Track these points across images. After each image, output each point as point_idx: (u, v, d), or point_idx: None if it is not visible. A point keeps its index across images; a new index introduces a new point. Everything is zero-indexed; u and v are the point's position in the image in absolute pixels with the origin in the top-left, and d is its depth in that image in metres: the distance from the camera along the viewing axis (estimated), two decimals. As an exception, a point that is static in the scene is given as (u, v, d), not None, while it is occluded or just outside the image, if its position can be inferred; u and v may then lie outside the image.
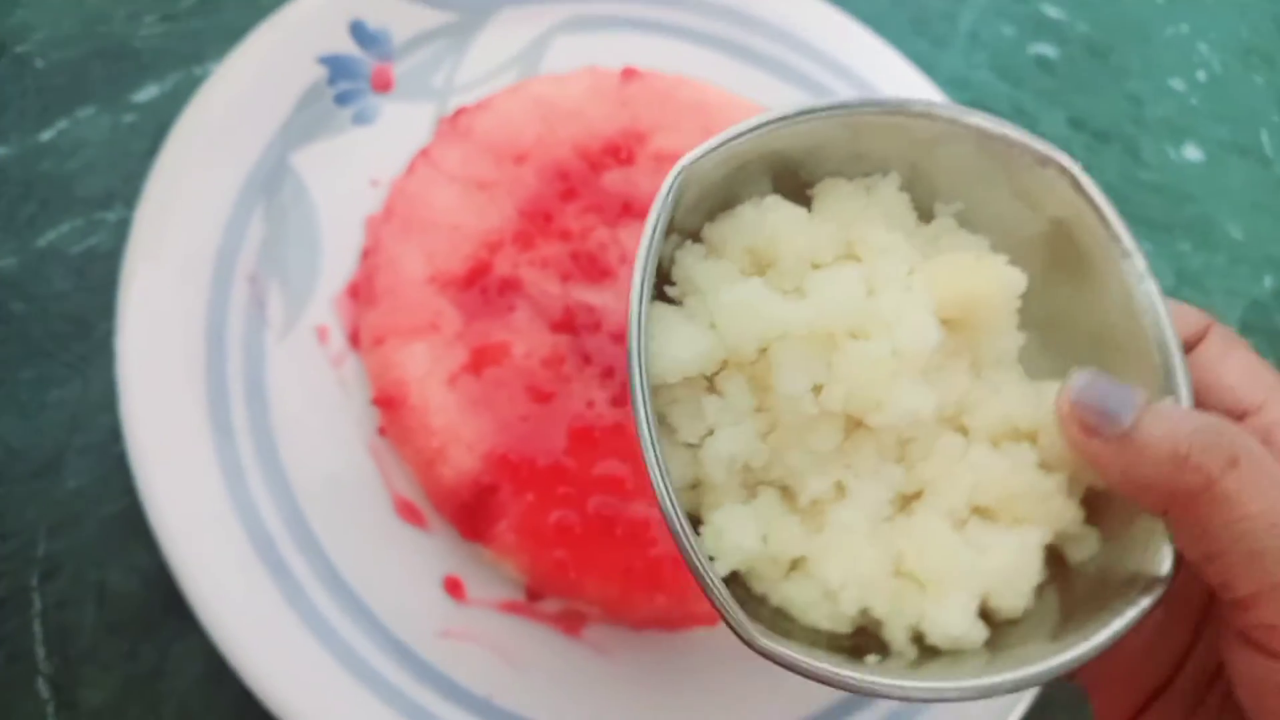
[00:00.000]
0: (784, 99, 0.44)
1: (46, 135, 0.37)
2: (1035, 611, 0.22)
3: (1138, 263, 0.23)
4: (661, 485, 0.21)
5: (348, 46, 0.39)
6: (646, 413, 0.21)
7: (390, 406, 0.33)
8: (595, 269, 0.37)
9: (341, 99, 0.38)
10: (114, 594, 0.31)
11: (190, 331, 0.33)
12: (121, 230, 0.36)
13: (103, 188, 0.36)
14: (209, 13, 0.41)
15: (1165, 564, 0.21)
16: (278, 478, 0.32)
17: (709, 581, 0.21)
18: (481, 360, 0.34)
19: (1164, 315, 0.22)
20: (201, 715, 0.31)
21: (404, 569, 0.33)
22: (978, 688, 0.20)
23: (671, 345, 0.22)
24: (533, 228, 0.36)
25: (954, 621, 0.21)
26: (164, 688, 0.31)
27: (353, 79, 0.38)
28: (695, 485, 0.23)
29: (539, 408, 0.34)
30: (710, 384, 0.23)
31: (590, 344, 0.35)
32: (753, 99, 0.42)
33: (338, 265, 0.36)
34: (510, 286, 0.35)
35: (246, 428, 0.33)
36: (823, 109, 0.23)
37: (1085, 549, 0.23)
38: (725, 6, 0.45)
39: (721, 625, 0.32)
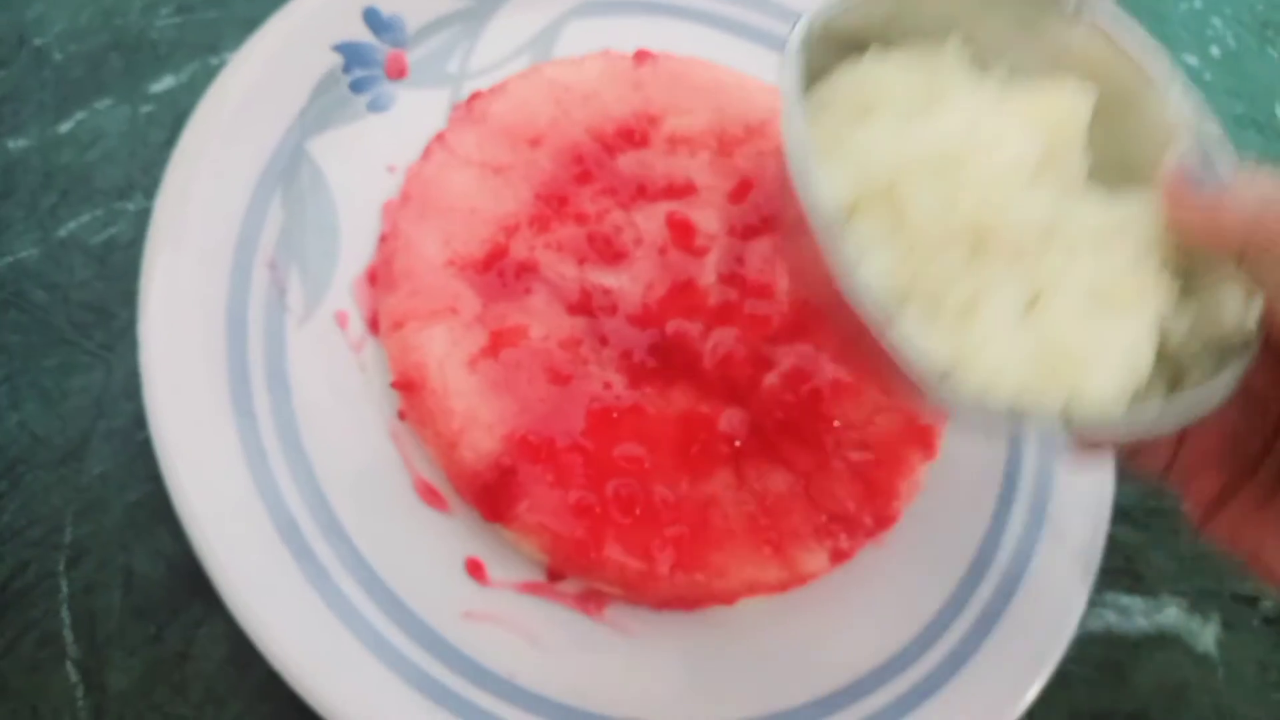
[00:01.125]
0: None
1: (65, 127, 0.37)
2: (1146, 391, 0.25)
3: (1174, 89, 0.27)
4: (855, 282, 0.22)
5: (362, 33, 0.39)
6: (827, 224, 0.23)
7: (410, 390, 0.33)
8: (611, 251, 0.37)
9: (357, 86, 0.38)
10: (139, 578, 0.32)
11: (211, 318, 0.33)
12: (141, 220, 0.36)
13: (122, 178, 0.37)
14: (224, 3, 0.41)
15: (1253, 317, 0.24)
16: (300, 462, 0.33)
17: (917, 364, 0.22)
18: (499, 343, 0.34)
19: (1203, 116, 0.27)
20: (227, 698, 0.31)
21: (426, 551, 0.33)
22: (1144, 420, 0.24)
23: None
24: (548, 211, 0.36)
25: (1106, 392, 0.24)
26: (189, 670, 0.31)
27: (367, 66, 0.39)
28: None
29: (557, 390, 0.34)
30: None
31: (607, 326, 0.35)
32: (766, 80, 0.42)
33: (356, 251, 0.36)
34: (527, 269, 0.35)
35: (268, 413, 0.33)
36: None
37: (1184, 321, 0.26)
38: (737, -11, 0.45)
39: (740, 604, 0.32)
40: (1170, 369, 0.26)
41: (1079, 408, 0.24)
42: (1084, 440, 0.26)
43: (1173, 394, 0.25)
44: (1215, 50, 0.53)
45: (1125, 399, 0.24)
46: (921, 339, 0.23)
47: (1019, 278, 0.25)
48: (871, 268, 0.24)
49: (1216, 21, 0.54)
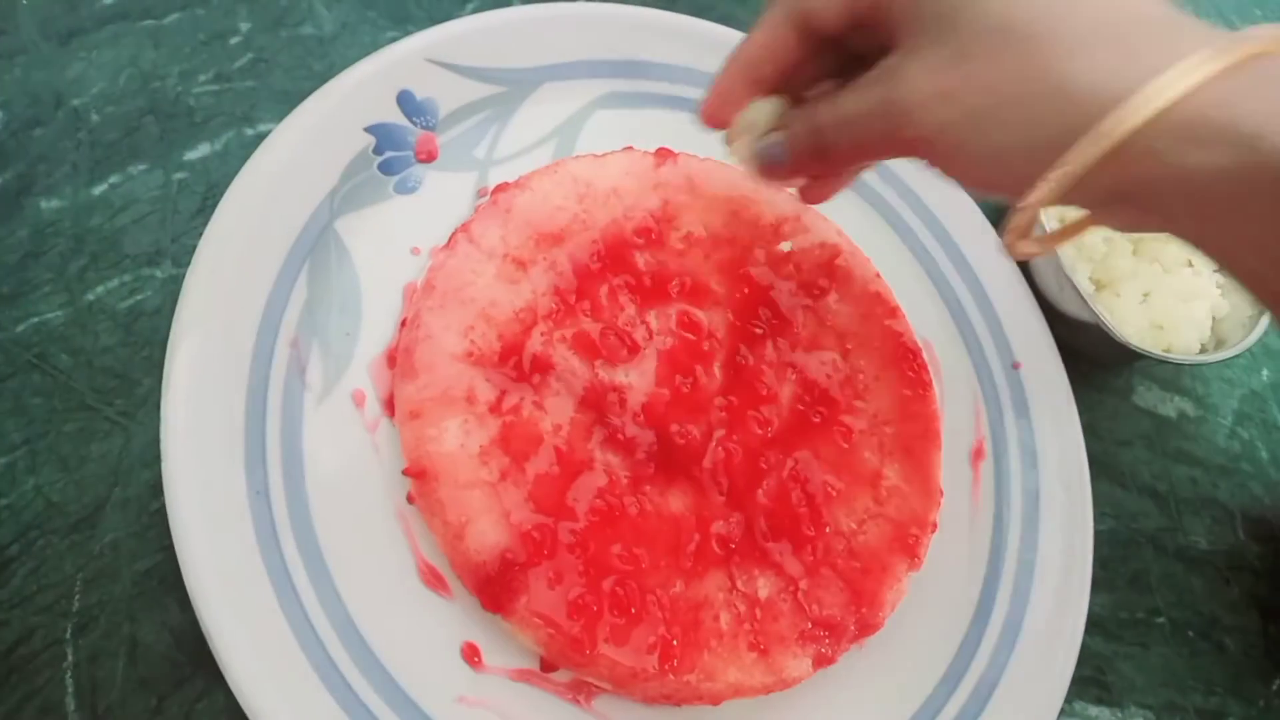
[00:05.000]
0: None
1: (98, 190, 0.38)
2: (1207, 343, 0.49)
3: None
4: None
5: (394, 115, 0.40)
6: None
7: (421, 478, 0.34)
8: (623, 348, 0.38)
9: (386, 167, 0.39)
10: (144, 649, 0.32)
11: (232, 394, 0.34)
12: (168, 287, 0.37)
13: (151, 244, 0.37)
14: (261, 73, 0.42)
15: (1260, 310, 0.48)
16: (309, 540, 0.33)
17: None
18: (511, 435, 0.35)
19: None
20: (221, 771, 0.32)
21: (426, 635, 0.34)
22: None
23: None
24: (565, 306, 0.38)
25: (1185, 345, 0.47)
26: (187, 743, 0.32)
27: (398, 148, 0.40)
28: None
29: (563, 485, 0.35)
30: None
31: (615, 423, 0.37)
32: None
33: (376, 331, 0.37)
34: (542, 363, 0.36)
35: (281, 489, 0.34)
36: None
37: (1225, 306, 0.50)
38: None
39: (725, 705, 0.33)
40: (1219, 333, 0.48)
41: (1171, 350, 0.46)
42: None
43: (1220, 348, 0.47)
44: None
45: (1196, 348, 0.47)
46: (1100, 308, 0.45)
47: (1139, 283, 0.48)
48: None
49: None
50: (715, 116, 0.33)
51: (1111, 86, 0.23)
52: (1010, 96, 0.25)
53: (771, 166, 0.32)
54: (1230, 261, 0.25)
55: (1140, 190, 0.24)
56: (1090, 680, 0.43)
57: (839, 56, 0.31)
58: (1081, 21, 0.24)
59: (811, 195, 0.36)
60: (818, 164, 0.32)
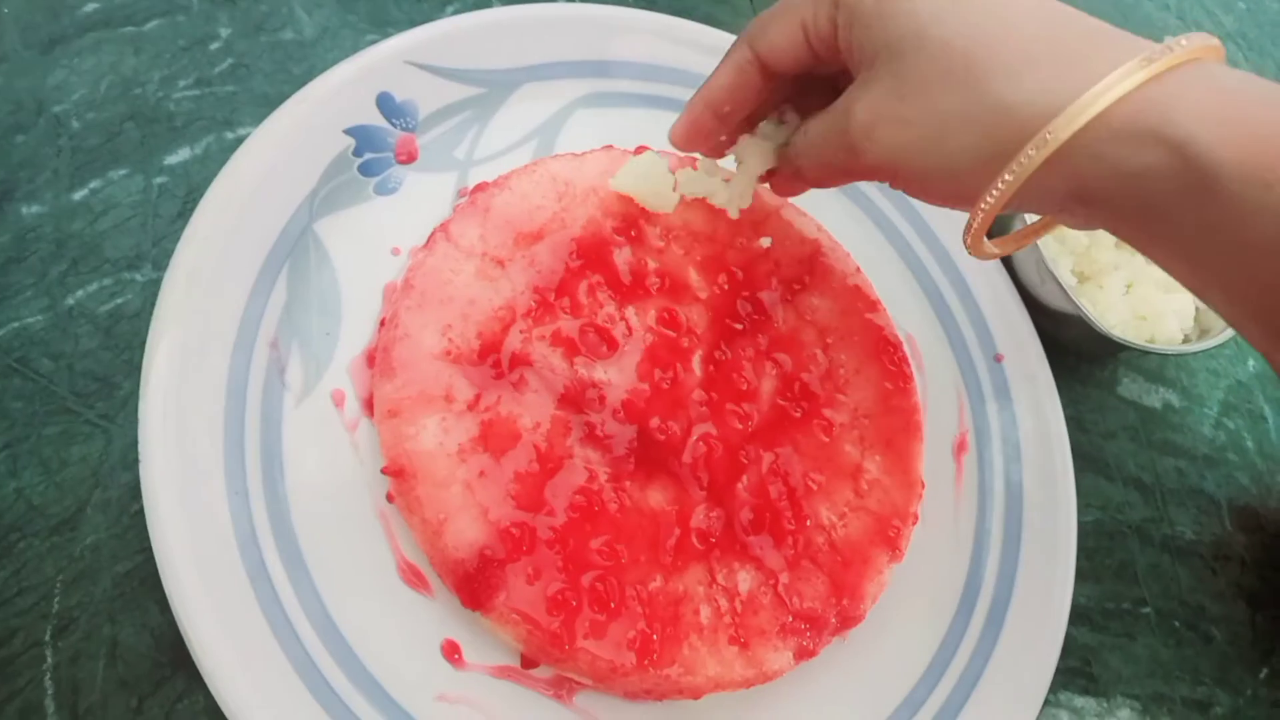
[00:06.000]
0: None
1: (79, 195, 0.38)
2: (1191, 333, 0.49)
3: None
4: None
5: (374, 117, 0.40)
6: None
7: (400, 476, 0.34)
8: (602, 345, 0.38)
9: (366, 169, 0.40)
10: (124, 649, 0.32)
11: (212, 396, 0.34)
12: (149, 291, 0.37)
13: (132, 248, 0.38)
14: (242, 78, 0.42)
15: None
16: (288, 540, 0.34)
17: None
18: (490, 433, 0.35)
19: None
20: (203, 771, 0.32)
21: (406, 633, 0.34)
22: None
23: None
24: (544, 304, 0.38)
25: (1168, 335, 0.46)
26: (168, 744, 0.32)
27: (378, 149, 0.40)
28: None
29: (542, 481, 0.35)
30: None
31: (594, 419, 0.37)
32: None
33: (356, 331, 0.37)
34: (520, 361, 0.37)
35: (261, 490, 0.34)
36: None
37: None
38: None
39: (707, 698, 0.33)
40: (1203, 323, 0.48)
41: (1155, 340, 0.46)
42: None
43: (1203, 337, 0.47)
44: None
45: (1179, 338, 0.46)
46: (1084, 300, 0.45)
47: (1122, 274, 0.48)
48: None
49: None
50: (685, 145, 0.36)
51: (1049, 99, 0.25)
52: (957, 119, 0.27)
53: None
54: (1165, 258, 0.27)
55: (1084, 192, 0.26)
56: (1076, 671, 0.43)
57: (806, 79, 0.34)
58: (1017, 43, 0.26)
59: (782, 190, 0.37)
60: (797, 186, 0.36)
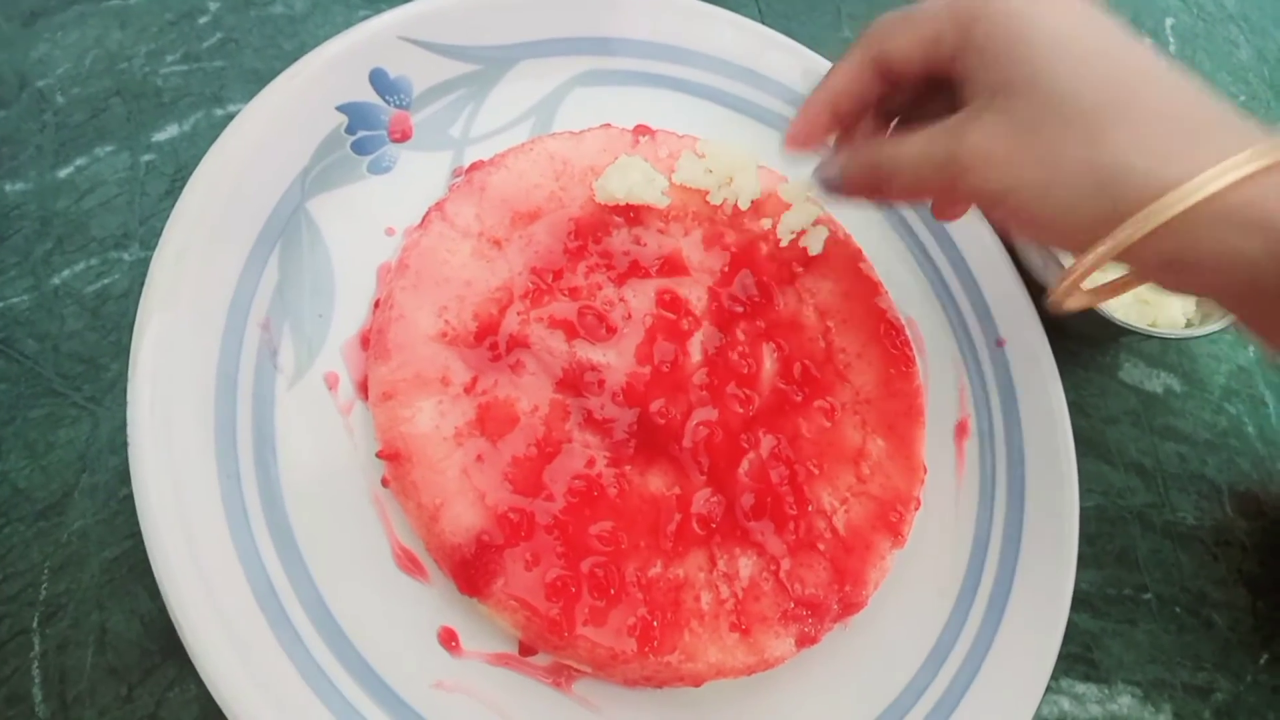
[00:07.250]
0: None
1: (64, 172, 0.37)
2: (1193, 319, 0.47)
3: None
4: None
5: (367, 94, 0.39)
6: None
7: (396, 460, 0.33)
8: (600, 327, 0.37)
9: (359, 147, 0.39)
10: (113, 637, 0.32)
11: (202, 377, 0.33)
12: (136, 270, 0.36)
13: (119, 227, 0.37)
14: (231, 53, 0.41)
15: None
16: (281, 525, 0.33)
17: None
18: (487, 417, 0.34)
19: None
20: (195, 759, 0.31)
21: (402, 619, 0.33)
22: None
23: None
24: (542, 285, 0.37)
25: (1170, 320, 0.45)
26: (159, 732, 0.31)
27: (371, 127, 0.39)
28: None
29: (540, 465, 0.34)
30: None
31: (592, 402, 0.36)
32: (764, 160, 0.43)
33: (349, 312, 0.37)
34: (518, 343, 0.36)
35: (253, 473, 0.33)
36: None
37: None
38: (739, 66, 0.46)
39: (707, 685, 0.33)
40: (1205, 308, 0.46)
41: (1157, 325, 0.45)
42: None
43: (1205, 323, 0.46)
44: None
45: (1181, 323, 0.46)
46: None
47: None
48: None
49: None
50: (801, 144, 0.36)
51: (1164, 174, 0.26)
52: (1071, 172, 0.27)
53: (826, 188, 0.36)
54: (1260, 333, 0.29)
55: (1181, 263, 0.27)
56: (1078, 657, 0.43)
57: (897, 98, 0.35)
58: (1142, 111, 0.27)
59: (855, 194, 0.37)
60: (871, 195, 0.35)
